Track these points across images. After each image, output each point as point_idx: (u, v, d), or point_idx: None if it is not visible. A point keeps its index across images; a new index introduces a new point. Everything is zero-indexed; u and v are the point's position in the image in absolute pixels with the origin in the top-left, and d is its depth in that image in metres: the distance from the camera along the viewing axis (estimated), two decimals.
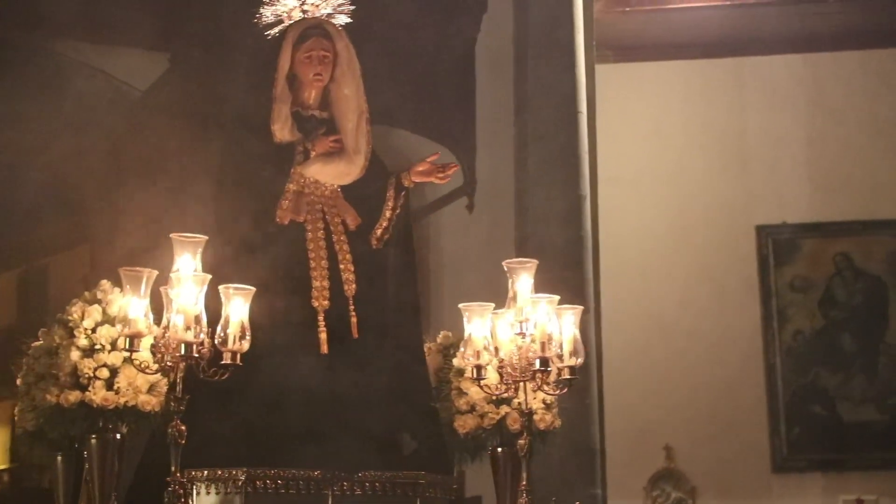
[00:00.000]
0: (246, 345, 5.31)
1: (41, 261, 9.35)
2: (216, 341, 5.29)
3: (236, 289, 5.34)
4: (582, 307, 6.00)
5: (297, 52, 6.58)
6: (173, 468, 5.22)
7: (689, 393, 11.05)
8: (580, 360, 5.82)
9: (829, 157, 11.44)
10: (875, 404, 11.21)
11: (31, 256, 9.29)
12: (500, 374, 5.86)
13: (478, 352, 5.85)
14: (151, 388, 5.70)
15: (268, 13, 6.66)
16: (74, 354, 5.63)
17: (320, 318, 6.27)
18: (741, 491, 10.95)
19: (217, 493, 5.73)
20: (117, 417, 5.64)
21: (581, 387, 7.71)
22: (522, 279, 5.77)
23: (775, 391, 11.22)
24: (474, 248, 8.96)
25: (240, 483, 5.71)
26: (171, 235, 5.30)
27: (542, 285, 5.83)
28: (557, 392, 5.93)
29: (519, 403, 5.98)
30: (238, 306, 5.33)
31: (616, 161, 10.59)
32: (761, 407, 11.20)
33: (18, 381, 5.88)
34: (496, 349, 5.83)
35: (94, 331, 5.68)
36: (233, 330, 5.30)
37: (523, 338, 5.70)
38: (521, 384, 5.82)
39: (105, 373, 5.62)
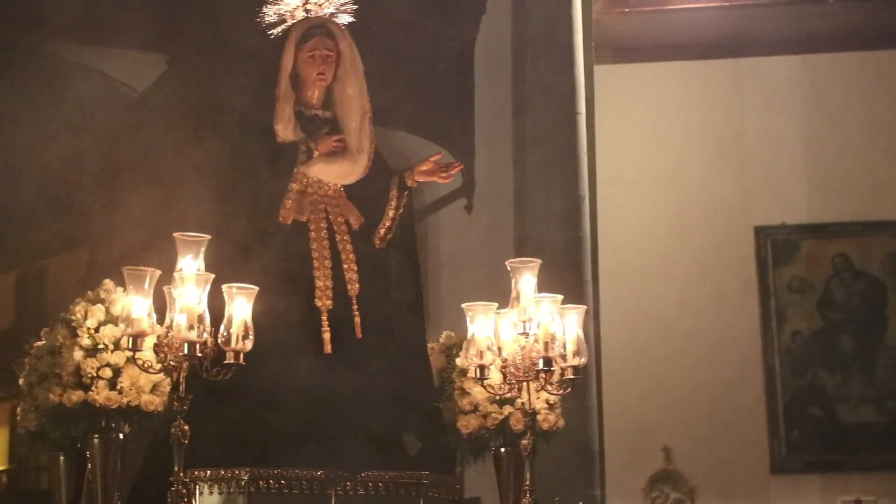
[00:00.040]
0: (249, 344, 5.31)
1: (39, 262, 9.32)
2: (219, 341, 5.28)
3: (239, 288, 5.35)
4: (584, 307, 6.00)
5: (300, 52, 6.59)
6: (176, 468, 5.22)
7: (688, 394, 11.04)
8: (584, 360, 5.81)
9: (827, 159, 11.43)
10: (874, 405, 11.20)
11: (29, 258, 9.25)
12: (504, 374, 5.86)
13: (481, 352, 5.84)
14: (154, 388, 5.68)
15: (271, 13, 6.67)
16: (77, 354, 5.61)
17: (324, 317, 6.28)
18: (740, 492, 10.94)
19: (220, 493, 5.73)
20: (120, 417, 5.62)
21: (580, 388, 7.67)
22: (526, 279, 5.77)
23: (774, 392, 11.21)
24: (473, 248, 8.93)
25: (243, 483, 5.71)
26: (174, 235, 5.30)
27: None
28: (561, 392, 5.92)
29: (522, 403, 5.98)
30: (241, 306, 5.33)
31: (615, 162, 10.61)
32: (760, 408, 11.19)
33: (21, 381, 5.86)
34: (499, 349, 5.82)
35: (97, 330, 5.67)
36: (236, 329, 5.30)
37: (526, 337, 5.70)
38: (525, 384, 5.81)
39: (108, 372, 5.60)
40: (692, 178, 11.48)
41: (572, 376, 5.81)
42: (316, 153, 6.52)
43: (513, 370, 5.77)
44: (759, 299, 11.39)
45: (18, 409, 5.89)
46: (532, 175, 8.99)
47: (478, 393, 6.30)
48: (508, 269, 5.82)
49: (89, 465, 5.62)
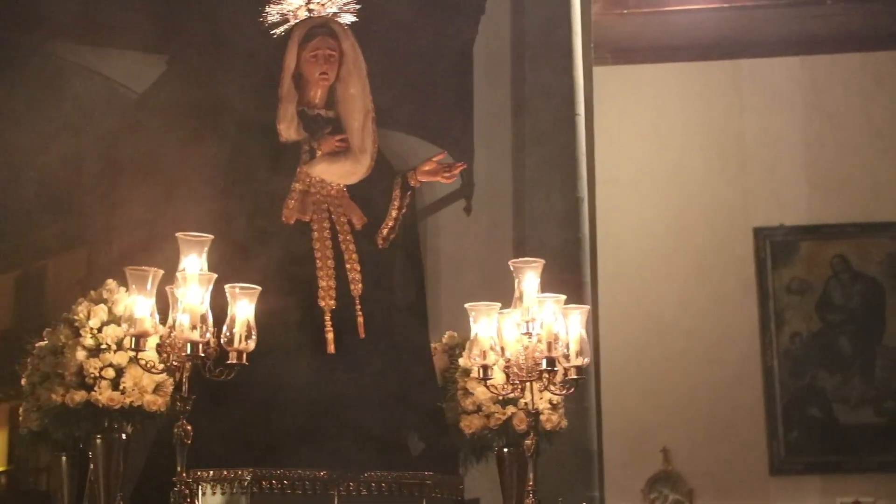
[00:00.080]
0: (252, 344, 5.30)
1: (38, 263, 9.32)
2: (222, 341, 5.28)
3: (242, 288, 5.34)
4: (588, 307, 5.99)
5: (302, 51, 6.58)
6: (179, 468, 5.21)
7: (687, 395, 11.04)
8: (587, 360, 5.80)
9: (826, 160, 11.45)
10: (872, 406, 11.21)
11: (29, 258, 9.26)
12: (507, 374, 5.84)
13: (484, 352, 5.82)
14: (157, 388, 5.67)
15: (273, 12, 6.66)
16: (80, 354, 5.60)
17: (327, 317, 6.26)
18: (739, 493, 10.94)
19: (223, 494, 5.71)
20: (123, 417, 5.60)
21: (579, 388, 7.64)
22: (529, 278, 5.76)
23: (773, 393, 11.22)
24: (473, 249, 8.93)
25: (245, 483, 5.69)
26: (177, 235, 5.29)
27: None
28: (564, 392, 5.92)
29: (525, 404, 5.97)
30: (244, 306, 5.32)
31: (614, 163, 10.62)
32: (759, 409, 11.20)
33: (23, 381, 5.85)
34: (502, 349, 5.81)
35: (99, 330, 5.65)
36: (239, 329, 5.29)
37: (530, 338, 5.69)
38: (528, 384, 5.80)
39: (111, 372, 5.58)
40: (691, 179, 11.48)
41: (575, 376, 5.80)
42: (319, 153, 6.50)
43: (516, 370, 5.76)
44: (758, 300, 11.39)
45: (21, 410, 5.88)
46: (531, 176, 8.99)
47: (481, 393, 6.29)
48: (511, 269, 5.82)
49: (92, 466, 5.60)
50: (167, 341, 5.25)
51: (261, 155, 6.48)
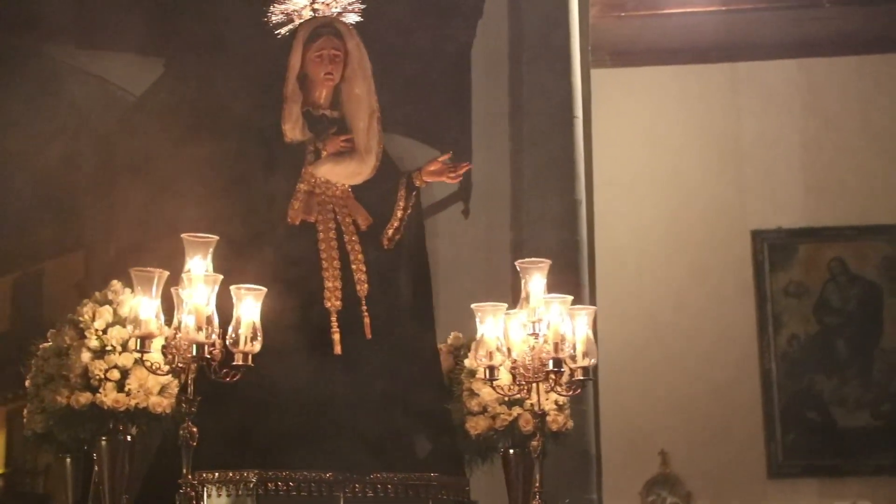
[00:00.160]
0: (258, 346, 5.28)
1: (35, 266, 9.29)
2: (227, 342, 5.25)
3: (248, 289, 5.32)
4: (595, 307, 6.00)
5: (307, 52, 6.56)
6: (184, 470, 5.19)
7: (685, 398, 11.03)
8: (593, 361, 5.81)
9: (824, 162, 11.44)
10: (870, 410, 11.20)
11: (26, 262, 9.22)
12: (513, 375, 5.84)
13: (490, 352, 5.82)
14: (162, 390, 5.65)
15: (277, 12, 6.64)
16: (85, 356, 5.58)
17: (333, 318, 6.24)
18: (736, 496, 10.91)
19: (228, 496, 5.71)
20: (128, 419, 5.60)
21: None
22: (535, 279, 5.77)
23: (770, 396, 11.21)
24: (470, 252, 8.91)
25: (251, 485, 5.69)
26: (182, 236, 5.27)
27: None
28: (570, 393, 5.91)
29: (531, 405, 5.96)
30: (249, 307, 5.30)
31: (612, 165, 10.60)
32: (756, 412, 11.19)
33: (27, 383, 5.83)
34: (509, 350, 5.80)
35: (104, 332, 5.64)
36: (244, 331, 5.26)
37: (536, 338, 5.68)
38: (534, 385, 5.79)
39: (116, 374, 5.57)
40: (689, 181, 11.47)
41: (581, 377, 5.80)
42: (324, 153, 6.50)
43: (522, 371, 5.76)
44: (756, 303, 11.38)
45: (24, 411, 5.86)
46: (529, 178, 8.97)
47: (487, 394, 6.28)
48: (518, 269, 5.82)
49: (96, 468, 5.60)
50: (172, 343, 5.22)
51: (265, 156, 6.46)
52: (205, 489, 5.64)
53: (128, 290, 5.68)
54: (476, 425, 6.36)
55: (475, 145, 9.05)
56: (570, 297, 5.75)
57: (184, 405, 5.26)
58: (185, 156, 7.25)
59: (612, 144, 10.67)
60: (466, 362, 6.41)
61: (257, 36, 6.85)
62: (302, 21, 6.64)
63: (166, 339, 5.28)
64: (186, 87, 8.26)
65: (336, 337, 6.19)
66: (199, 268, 5.22)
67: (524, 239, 8.86)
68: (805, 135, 11.48)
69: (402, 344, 6.40)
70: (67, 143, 8.33)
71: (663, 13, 10.97)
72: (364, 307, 6.31)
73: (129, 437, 5.61)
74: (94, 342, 5.62)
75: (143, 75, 8.52)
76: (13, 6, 8.23)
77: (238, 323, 5.26)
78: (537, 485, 5.85)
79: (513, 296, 6.20)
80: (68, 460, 5.85)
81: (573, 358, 5.74)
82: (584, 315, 5.81)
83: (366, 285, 6.35)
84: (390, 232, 6.58)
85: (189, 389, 5.23)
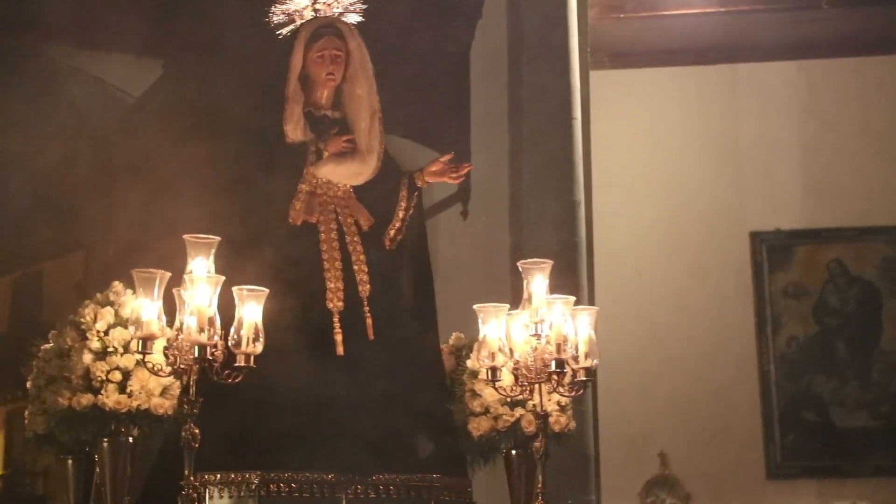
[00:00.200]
0: (260, 347, 5.25)
1: (35, 266, 9.27)
2: (229, 343, 5.23)
3: (250, 290, 5.28)
4: (596, 308, 5.99)
5: (309, 52, 6.54)
6: (186, 471, 5.17)
7: (684, 399, 11.03)
8: (596, 362, 5.81)
9: (822, 164, 11.45)
10: (869, 411, 11.21)
11: (25, 262, 9.21)
12: (515, 376, 5.83)
13: (493, 353, 5.80)
14: (164, 391, 5.63)
15: (279, 12, 6.63)
16: (87, 357, 5.57)
17: (335, 319, 6.23)
18: (735, 497, 10.93)
19: (230, 497, 5.70)
20: (130, 421, 5.57)
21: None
22: (537, 280, 5.76)
23: (769, 398, 11.22)
24: (469, 253, 8.91)
25: (253, 486, 5.68)
26: (184, 237, 5.25)
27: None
28: (573, 394, 5.91)
29: (534, 405, 5.95)
30: (251, 308, 5.27)
31: (610, 167, 10.59)
32: (755, 413, 11.19)
33: (28, 384, 5.82)
34: (511, 351, 5.79)
35: (106, 333, 5.63)
36: (246, 332, 5.24)
37: (539, 339, 5.68)
38: (537, 386, 5.79)
39: (118, 376, 5.56)
40: (688, 182, 11.48)
41: (584, 378, 5.79)
42: (325, 154, 6.48)
43: (525, 372, 5.75)
44: (755, 304, 11.39)
45: (26, 413, 5.84)
46: (528, 179, 8.96)
47: (489, 395, 6.26)
48: (520, 270, 5.81)
49: (98, 470, 5.58)
50: (174, 344, 5.21)
51: (266, 156, 6.45)
52: (207, 491, 5.64)
53: (129, 292, 5.66)
54: (478, 426, 6.34)
55: (474, 146, 9.04)
56: (573, 298, 5.74)
57: (186, 406, 5.23)
58: (184, 156, 7.25)
59: (612, 146, 10.66)
60: (469, 363, 6.39)
61: (257, 36, 6.84)
62: (303, 21, 6.62)
63: (168, 340, 5.25)
64: (186, 88, 8.26)
65: (339, 338, 6.17)
66: (201, 269, 5.20)
67: (523, 240, 8.85)
68: (804, 136, 11.49)
69: (404, 344, 6.37)
70: (67, 144, 8.32)
71: (662, 14, 10.97)
72: (366, 308, 6.30)
73: (130, 439, 5.59)
74: (95, 343, 5.60)
75: (142, 76, 8.51)
76: (13, 6, 8.23)
77: (240, 324, 5.24)
78: (540, 486, 5.84)
79: (512, 296, 6.20)
80: (70, 462, 5.83)
81: (575, 359, 5.73)
82: (586, 315, 5.81)
83: (368, 286, 6.34)
84: (392, 232, 6.56)
85: (191, 391, 5.21)
